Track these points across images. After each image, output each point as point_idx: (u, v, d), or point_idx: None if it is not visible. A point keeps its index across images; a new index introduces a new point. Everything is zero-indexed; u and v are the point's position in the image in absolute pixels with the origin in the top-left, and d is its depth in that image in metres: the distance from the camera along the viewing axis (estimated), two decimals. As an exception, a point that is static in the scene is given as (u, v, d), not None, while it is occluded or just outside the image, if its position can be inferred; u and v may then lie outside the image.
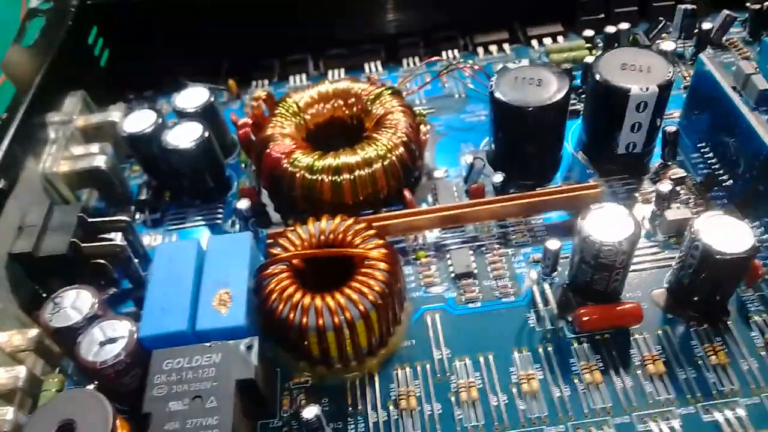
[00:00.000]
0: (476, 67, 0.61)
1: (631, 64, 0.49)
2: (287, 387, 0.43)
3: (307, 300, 0.39)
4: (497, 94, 0.49)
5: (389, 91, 0.54)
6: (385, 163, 0.49)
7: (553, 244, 0.45)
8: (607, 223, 0.41)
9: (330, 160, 0.49)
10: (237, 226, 0.53)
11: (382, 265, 0.41)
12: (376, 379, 0.43)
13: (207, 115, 0.54)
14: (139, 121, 0.53)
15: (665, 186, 0.48)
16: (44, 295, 0.48)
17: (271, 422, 0.41)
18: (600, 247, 0.40)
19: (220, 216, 0.54)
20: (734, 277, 0.42)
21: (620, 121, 0.49)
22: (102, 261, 0.48)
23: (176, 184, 0.54)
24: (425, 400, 0.41)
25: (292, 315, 0.39)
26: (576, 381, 0.41)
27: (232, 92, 0.65)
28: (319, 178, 0.48)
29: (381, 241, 0.42)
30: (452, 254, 0.48)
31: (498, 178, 0.50)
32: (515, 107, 0.48)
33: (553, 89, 0.48)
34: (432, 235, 0.51)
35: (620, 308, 0.42)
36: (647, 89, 0.47)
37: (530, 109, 0.47)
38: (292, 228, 0.44)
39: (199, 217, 0.54)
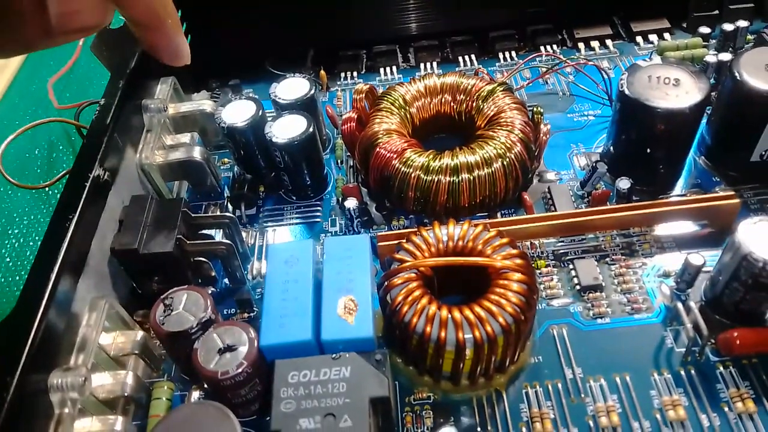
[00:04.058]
0: (588, 63, 0.57)
1: (776, 64, 0.45)
2: (408, 402, 0.40)
3: (444, 313, 0.36)
4: (630, 94, 0.45)
5: (501, 88, 0.51)
6: (505, 162, 0.46)
7: (696, 258, 0.41)
8: (766, 239, 0.38)
9: (447, 160, 0.46)
10: (337, 226, 0.50)
11: (520, 276, 0.38)
12: (504, 397, 0.40)
13: (306, 107, 0.51)
14: (238, 111, 0.50)
15: (812, 199, 0.44)
16: (140, 292, 0.45)
17: (395, 441, 0.38)
18: (763, 266, 0.37)
19: (318, 214, 0.51)
20: None
21: (761, 126, 0.45)
22: (203, 259, 0.45)
23: (273, 179, 0.52)
24: (560, 424, 0.38)
25: (428, 329, 0.36)
26: (726, 409, 0.38)
27: (323, 83, 0.62)
28: (436, 178, 0.45)
29: (516, 251, 0.39)
30: (577, 264, 0.45)
31: (625, 184, 0.47)
32: (652, 108, 0.44)
33: (692, 89, 0.45)
34: (548, 243, 0.47)
35: (781, 332, 0.39)
36: (798, 93, 0.43)
37: (668, 110, 0.44)
38: (415, 231, 0.41)
39: (296, 215, 0.51)
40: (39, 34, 0.28)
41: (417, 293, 0.38)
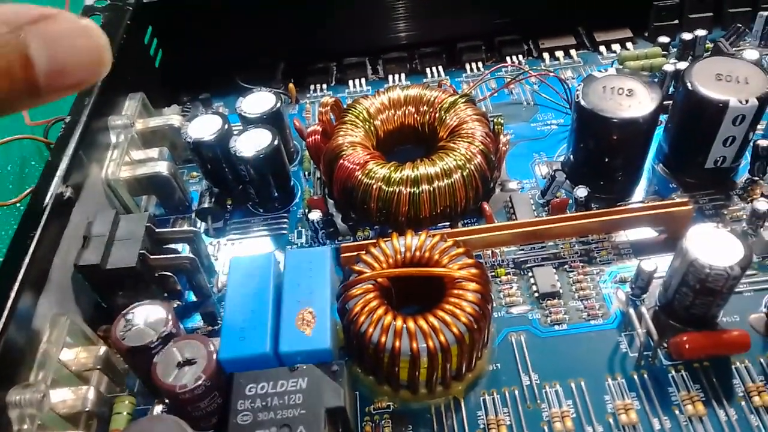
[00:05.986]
0: (550, 74, 0.58)
1: (726, 74, 0.46)
2: (368, 412, 0.41)
3: (399, 323, 0.37)
4: (585, 105, 0.46)
5: (463, 99, 0.52)
6: (464, 173, 0.47)
7: (648, 265, 0.42)
8: (713, 245, 0.39)
9: (407, 171, 0.47)
10: (303, 238, 0.51)
11: (475, 286, 0.39)
12: (462, 404, 0.40)
13: (273, 121, 0.52)
14: (204, 126, 0.51)
15: (762, 204, 0.45)
16: (105, 306, 0.46)
17: (354, 450, 0.39)
18: (709, 271, 0.38)
19: (285, 226, 0.52)
20: None
21: (713, 134, 0.46)
22: (168, 273, 0.46)
23: (240, 192, 0.52)
24: (516, 430, 0.39)
25: (383, 339, 0.37)
26: (677, 412, 0.39)
27: (292, 96, 0.63)
28: (397, 189, 0.46)
29: (471, 261, 0.40)
30: (535, 272, 0.46)
31: (582, 192, 0.47)
32: (606, 118, 0.45)
33: (645, 99, 0.46)
34: (509, 251, 0.48)
35: (727, 336, 0.40)
36: (747, 102, 0.44)
37: (622, 120, 0.45)
38: (374, 242, 0.42)
39: (263, 227, 0.52)
40: (25, 93, 0.24)
41: (373, 304, 0.38)
